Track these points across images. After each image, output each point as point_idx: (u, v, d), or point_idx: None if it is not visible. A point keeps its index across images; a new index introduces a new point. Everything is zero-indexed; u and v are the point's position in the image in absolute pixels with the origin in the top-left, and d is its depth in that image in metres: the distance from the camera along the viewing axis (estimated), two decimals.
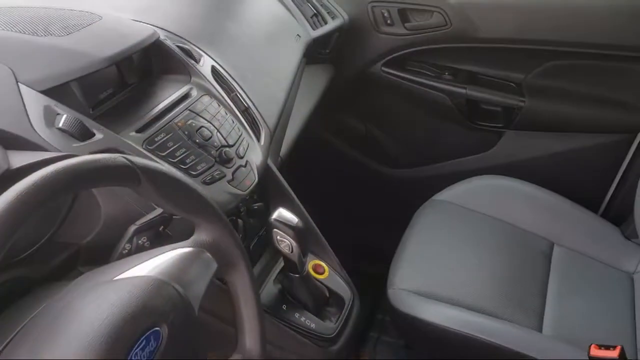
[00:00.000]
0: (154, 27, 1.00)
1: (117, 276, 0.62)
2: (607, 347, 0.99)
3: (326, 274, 1.10)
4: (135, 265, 0.64)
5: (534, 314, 1.19)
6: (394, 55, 1.69)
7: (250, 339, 0.75)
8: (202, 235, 0.71)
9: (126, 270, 0.63)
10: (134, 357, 0.55)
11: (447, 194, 1.45)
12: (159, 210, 0.79)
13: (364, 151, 1.87)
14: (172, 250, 0.67)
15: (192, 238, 0.71)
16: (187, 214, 0.69)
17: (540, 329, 1.16)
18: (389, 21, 1.64)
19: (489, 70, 1.65)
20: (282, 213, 0.95)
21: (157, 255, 0.66)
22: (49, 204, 0.51)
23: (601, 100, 1.54)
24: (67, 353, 0.52)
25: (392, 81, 1.72)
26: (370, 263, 1.64)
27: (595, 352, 0.98)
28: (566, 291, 1.25)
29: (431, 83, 1.68)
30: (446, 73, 1.69)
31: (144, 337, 0.56)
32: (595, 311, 1.21)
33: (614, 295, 1.24)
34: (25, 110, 0.72)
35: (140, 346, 0.56)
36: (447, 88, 1.67)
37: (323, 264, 1.11)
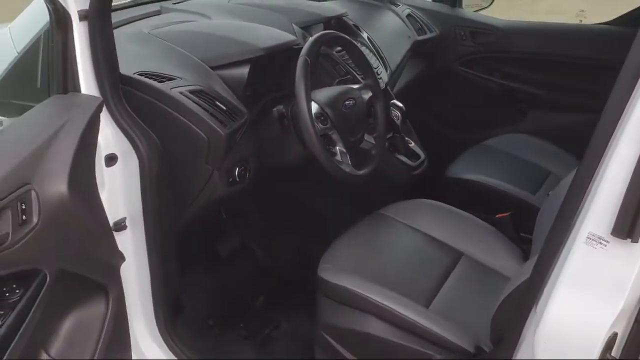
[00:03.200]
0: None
1: None
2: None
3: None
4: None
5: (426, 297, 1.52)
6: (466, 58, 2.77)
7: None
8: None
9: None
10: None
11: (390, 210, 1.83)
12: None
13: None
14: None
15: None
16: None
17: (427, 306, 1.50)
18: (464, 37, 2.74)
19: (519, 71, 2.68)
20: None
21: None
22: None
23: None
24: None
25: (464, 75, 2.79)
26: None
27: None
28: (456, 288, 1.57)
29: (486, 77, 2.74)
30: (496, 73, 2.75)
31: None
32: (472, 305, 1.50)
33: (494, 296, 1.33)
34: None
35: None
36: (495, 81, 2.72)
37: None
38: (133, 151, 1.44)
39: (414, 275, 1.61)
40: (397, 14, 2.64)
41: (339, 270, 1.57)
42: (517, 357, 1.10)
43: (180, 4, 2.11)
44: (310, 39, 1.60)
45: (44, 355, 1.25)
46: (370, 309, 1.48)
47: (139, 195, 1.47)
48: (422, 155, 2.11)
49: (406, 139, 2.11)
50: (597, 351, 0.95)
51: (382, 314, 1.47)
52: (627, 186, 0.86)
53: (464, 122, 2.80)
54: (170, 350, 1.64)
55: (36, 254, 1.09)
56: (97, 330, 1.33)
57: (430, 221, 1.80)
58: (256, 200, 2.05)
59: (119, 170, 1.41)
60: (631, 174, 0.85)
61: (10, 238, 1.03)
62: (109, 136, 1.38)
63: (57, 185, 1.14)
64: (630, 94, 0.88)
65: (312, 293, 1.63)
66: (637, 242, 0.88)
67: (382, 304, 1.46)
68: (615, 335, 0.96)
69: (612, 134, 0.89)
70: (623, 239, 0.88)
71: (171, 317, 1.63)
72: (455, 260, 1.67)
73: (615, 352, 0.97)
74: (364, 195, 2.02)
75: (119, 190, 1.41)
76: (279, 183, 2.02)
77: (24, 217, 1.06)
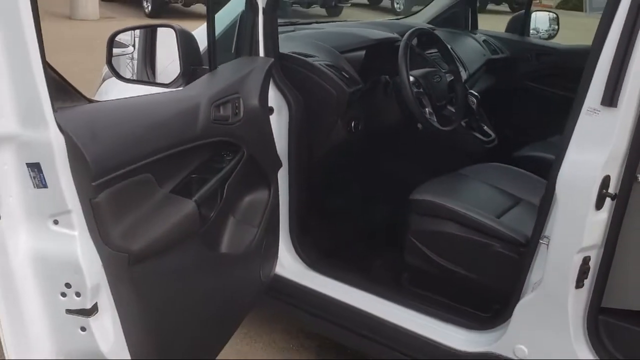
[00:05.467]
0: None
1: None
2: None
3: None
4: None
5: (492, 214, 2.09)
6: (531, 75, 3.36)
7: None
8: None
9: None
10: None
11: (466, 170, 2.35)
12: None
13: None
14: None
15: None
16: None
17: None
18: (530, 58, 3.34)
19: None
20: None
21: None
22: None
23: None
24: None
25: (528, 87, 3.37)
26: None
27: None
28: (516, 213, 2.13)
29: (547, 89, 3.31)
30: (557, 86, 3.31)
31: None
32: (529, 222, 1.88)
33: None
34: None
35: None
36: (553, 92, 3.28)
37: None
38: (285, 105, 2.13)
39: (484, 204, 2.16)
40: (475, 39, 3.30)
41: (425, 192, 2.16)
42: None
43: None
44: (409, 31, 2.28)
45: (229, 224, 1.89)
46: (449, 215, 2.06)
47: (286, 138, 2.14)
48: (493, 135, 2.69)
49: (480, 123, 2.71)
50: (596, 187, 1.49)
51: (458, 218, 2.04)
52: (609, 70, 1.43)
53: (526, 122, 3.33)
54: (301, 257, 2.26)
55: (241, 136, 1.76)
56: (261, 211, 1.97)
57: (496, 177, 2.36)
58: (358, 168, 2.69)
59: (274, 119, 2.09)
60: (611, 62, 1.42)
61: (230, 119, 1.72)
62: (270, 94, 2.06)
63: (252, 99, 1.83)
64: None
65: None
66: (616, 107, 1.44)
67: (460, 211, 2.03)
68: (608, 177, 1.50)
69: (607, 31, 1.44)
70: (607, 106, 1.45)
71: (301, 233, 2.26)
72: (517, 203, 2.18)
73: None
74: (445, 164, 2.60)
75: (274, 134, 2.06)
76: (378, 152, 2.65)
77: (237, 110, 1.75)
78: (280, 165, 2.05)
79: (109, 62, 1.85)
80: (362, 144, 2.42)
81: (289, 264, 2.26)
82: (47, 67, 1.12)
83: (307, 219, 2.34)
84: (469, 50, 3.12)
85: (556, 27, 3.49)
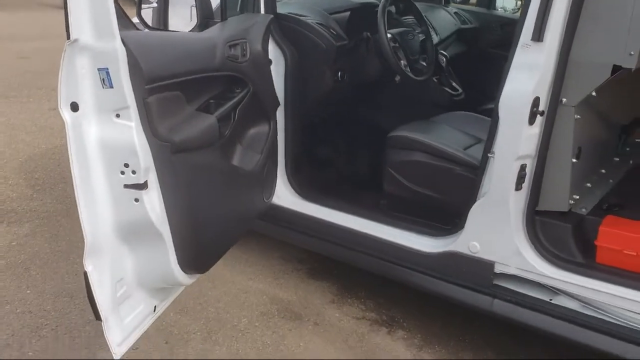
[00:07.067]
0: None
1: None
2: None
3: None
4: None
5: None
6: (498, 43, 3.78)
7: None
8: None
9: None
10: None
11: (436, 117, 2.83)
12: None
13: None
14: None
15: None
16: None
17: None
18: (495, 28, 3.77)
19: None
20: None
21: None
22: None
23: None
24: None
25: (492, 54, 3.79)
26: None
27: None
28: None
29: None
30: None
31: None
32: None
33: None
34: None
35: None
36: None
37: None
38: (282, 58, 2.54)
39: (450, 141, 2.58)
40: (447, 11, 3.73)
41: (401, 131, 2.58)
42: None
43: None
44: None
45: (239, 149, 2.30)
46: (421, 147, 2.49)
47: (282, 87, 2.55)
48: (460, 89, 3.11)
49: (450, 80, 3.13)
50: (528, 106, 1.92)
51: (427, 149, 2.47)
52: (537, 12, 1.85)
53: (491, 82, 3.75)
54: (295, 190, 2.67)
55: (247, 73, 2.16)
56: (263, 140, 2.37)
57: (462, 122, 2.79)
58: (344, 113, 3.11)
59: (273, 69, 2.49)
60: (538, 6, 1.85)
61: (239, 58, 2.12)
62: (269, 48, 2.46)
63: (256, 45, 2.23)
64: None
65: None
66: (542, 41, 1.87)
67: (429, 142, 2.46)
68: (538, 98, 1.93)
69: None
70: (536, 40, 1.88)
71: (295, 169, 2.67)
72: (478, 141, 2.61)
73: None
74: (419, 114, 3.02)
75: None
76: (361, 100, 3.07)
77: (244, 52, 2.15)
78: (278, 104, 2.45)
79: (139, 14, 2.26)
80: (347, 92, 2.84)
81: (284, 195, 2.68)
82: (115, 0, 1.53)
83: (300, 158, 2.75)
84: (441, 19, 3.55)
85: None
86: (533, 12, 1.87)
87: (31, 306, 2.46)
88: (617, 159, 2.65)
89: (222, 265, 2.82)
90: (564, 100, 1.97)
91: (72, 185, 1.57)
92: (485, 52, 3.79)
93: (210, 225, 1.93)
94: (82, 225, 1.60)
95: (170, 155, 1.68)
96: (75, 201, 1.58)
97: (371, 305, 2.63)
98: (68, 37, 1.47)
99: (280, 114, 2.55)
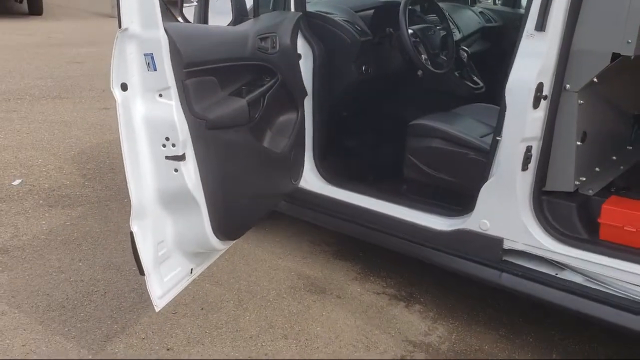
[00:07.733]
0: None
1: None
2: None
3: None
4: None
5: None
6: None
7: None
8: None
9: None
10: None
11: (456, 109, 3.03)
12: None
13: None
14: None
15: None
16: None
17: None
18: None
19: None
20: None
21: None
22: None
23: None
24: None
25: None
26: None
27: None
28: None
29: None
30: None
31: None
32: None
33: None
34: None
35: None
36: None
37: None
38: (311, 52, 2.76)
39: (467, 130, 2.74)
40: (472, 11, 3.89)
41: (420, 119, 2.77)
42: None
43: None
44: None
45: (268, 133, 2.52)
46: (438, 134, 2.66)
47: (311, 79, 2.76)
48: (481, 83, 3.27)
49: (471, 74, 3.30)
50: (532, 91, 2.08)
51: (444, 135, 2.64)
52: (539, 3, 2.02)
53: None
54: (322, 176, 2.88)
55: (276, 64, 2.39)
56: (291, 127, 2.60)
57: (481, 113, 2.94)
58: (368, 105, 3.30)
59: (301, 63, 2.72)
60: None
61: (269, 50, 2.35)
62: (298, 43, 2.68)
63: (286, 38, 2.46)
64: None
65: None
66: (544, 31, 2.03)
67: (446, 129, 2.63)
68: (541, 84, 2.08)
69: None
70: (539, 30, 2.04)
71: (322, 156, 2.88)
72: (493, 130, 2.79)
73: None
74: (440, 106, 3.19)
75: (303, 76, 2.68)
76: (385, 92, 3.26)
77: (274, 45, 2.39)
78: (305, 93, 2.67)
79: (181, 12, 2.52)
80: (372, 85, 3.04)
81: (313, 181, 2.89)
82: None
83: (327, 146, 2.97)
84: (465, 17, 3.71)
85: None
86: (537, 4, 2.04)
87: (83, 276, 2.74)
88: (630, 148, 2.76)
89: (255, 245, 3.06)
90: (568, 86, 2.12)
91: (120, 174, 1.84)
92: (510, 49, 3.91)
93: (240, 197, 2.16)
94: (129, 191, 1.85)
95: (205, 130, 1.92)
96: (125, 183, 1.83)
97: (391, 282, 2.81)
98: (120, 26, 1.73)
99: (308, 105, 2.77)
